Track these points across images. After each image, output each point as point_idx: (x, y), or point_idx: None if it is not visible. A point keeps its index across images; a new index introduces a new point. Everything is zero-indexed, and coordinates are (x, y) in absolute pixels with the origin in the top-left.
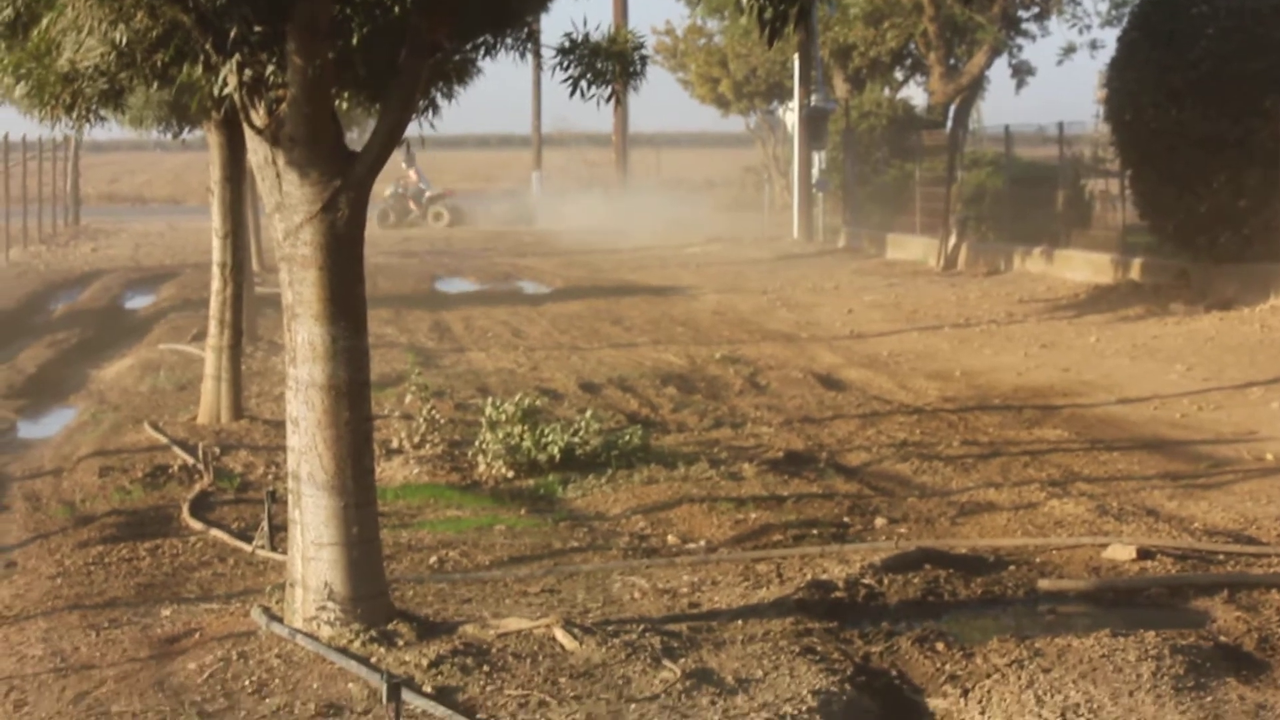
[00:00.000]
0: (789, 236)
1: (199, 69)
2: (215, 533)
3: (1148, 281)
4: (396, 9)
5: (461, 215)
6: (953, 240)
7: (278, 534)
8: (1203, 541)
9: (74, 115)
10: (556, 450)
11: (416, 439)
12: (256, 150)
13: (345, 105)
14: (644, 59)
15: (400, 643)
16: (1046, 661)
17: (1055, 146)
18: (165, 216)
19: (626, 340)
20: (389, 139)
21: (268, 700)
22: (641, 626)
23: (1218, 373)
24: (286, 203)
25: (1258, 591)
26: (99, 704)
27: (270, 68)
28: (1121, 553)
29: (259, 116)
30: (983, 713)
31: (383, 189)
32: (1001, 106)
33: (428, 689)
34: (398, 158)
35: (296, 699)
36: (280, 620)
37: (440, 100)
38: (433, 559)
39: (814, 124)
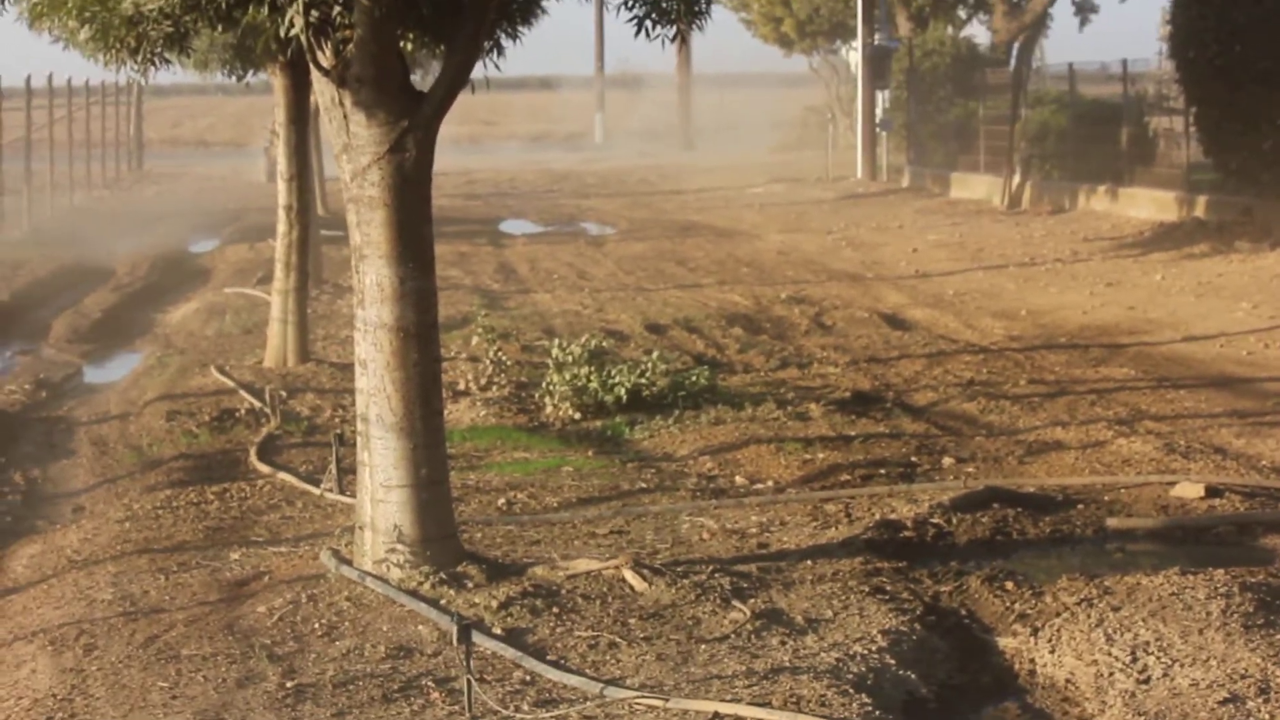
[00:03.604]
0: (853, 176)
1: (264, 10)
2: (283, 476)
3: (1212, 219)
4: None
5: None
6: (1017, 179)
7: (346, 477)
8: (1271, 479)
9: (138, 59)
10: (623, 391)
11: (483, 381)
12: (323, 92)
13: (410, 47)
14: None
15: (470, 585)
16: (1116, 600)
17: (1119, 84)
18: (228, 160)
19: (691, 281)
20: (455, 79)
21: (338, 643)
22: (710, 567)
23: None
24: (354, 144)
25: None
26: (169, 647)
27: (337, 8)
28: (1189, 490)
29: (326, 58)
30: (1053, 651)
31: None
32: (1065, 44)
33: (498, 631)
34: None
35: (366, 641)
36: (349, 563)
37: (505, 41)
38: (501, 501)
39: (877, 63)
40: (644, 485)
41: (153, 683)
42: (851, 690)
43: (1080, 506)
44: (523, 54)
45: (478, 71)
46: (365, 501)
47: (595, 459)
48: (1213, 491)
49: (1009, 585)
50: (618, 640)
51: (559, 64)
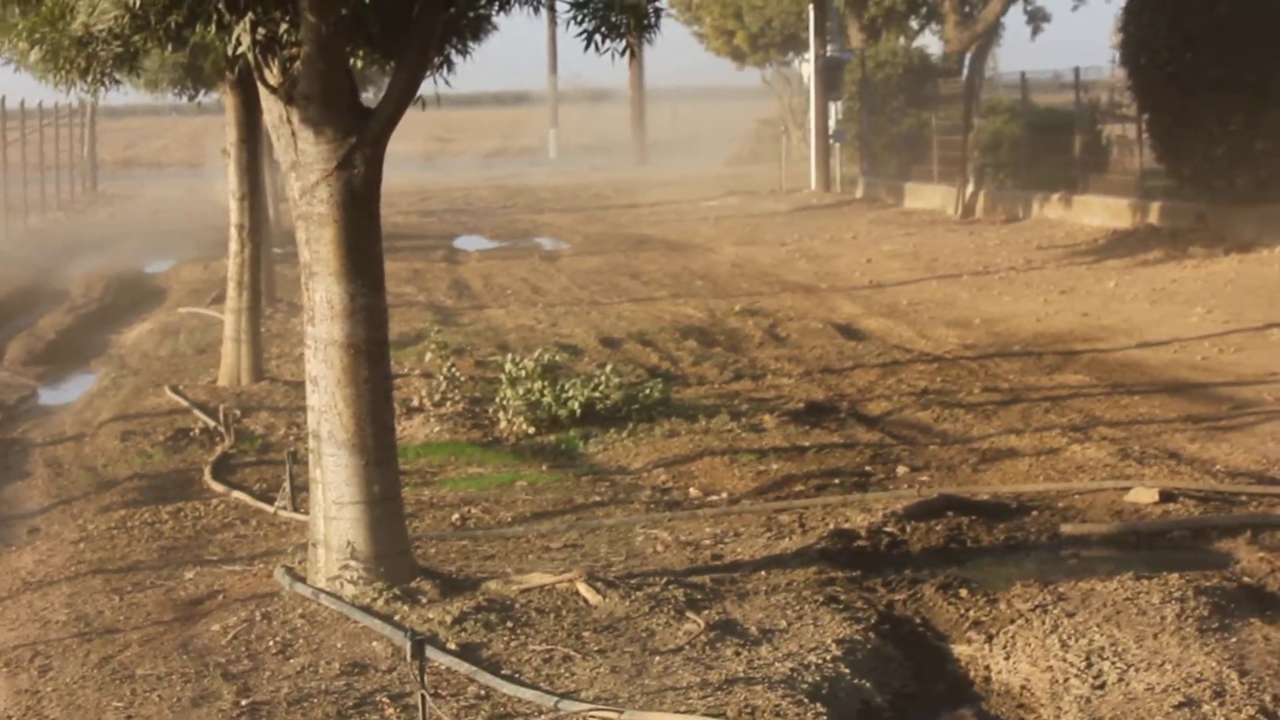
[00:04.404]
0: (806, 188)
1: (212, 29)
2: (237, 494)
3: (1166, 225)
4: None
5: None
6: (970, 188)
7: (299, 494)
8: (1225, 483)
9: (89, 80)
10: (577, 405)
11: (437, 397)
12: (271, 109)
13: (360, 64)
14: (658, 11)
15: (424, 600)
16: (1070, 606)
17: (1072, 92)
18: (183, 180)
19: (646, 294)
20: (404, 95)
21: (292, 660)
22: (665, 579)
23: (1237, 315)
24: (302, 161)
25: None
26: (123, 667)
27: (284, 26)
28: (1144, 496)
29: (273, 75)
30: (1008, 658)
31: None
32: (1017, 53)
33: (452, 646)
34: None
35: (321, 658)
36: (303, 580)
37: (455, 57)
38: (455, 516)
39: (830, 75)
40: (598, 499)
41: (108, 703)
42: (806, 700)
43: (1035, 513)
44: (476, 70)
45: (429, 88)
46: (318, 519)
47: (549, 473)
48: (1167, 496)
49: (963, 593)
50: (572, 653)
51: (513, 80)
